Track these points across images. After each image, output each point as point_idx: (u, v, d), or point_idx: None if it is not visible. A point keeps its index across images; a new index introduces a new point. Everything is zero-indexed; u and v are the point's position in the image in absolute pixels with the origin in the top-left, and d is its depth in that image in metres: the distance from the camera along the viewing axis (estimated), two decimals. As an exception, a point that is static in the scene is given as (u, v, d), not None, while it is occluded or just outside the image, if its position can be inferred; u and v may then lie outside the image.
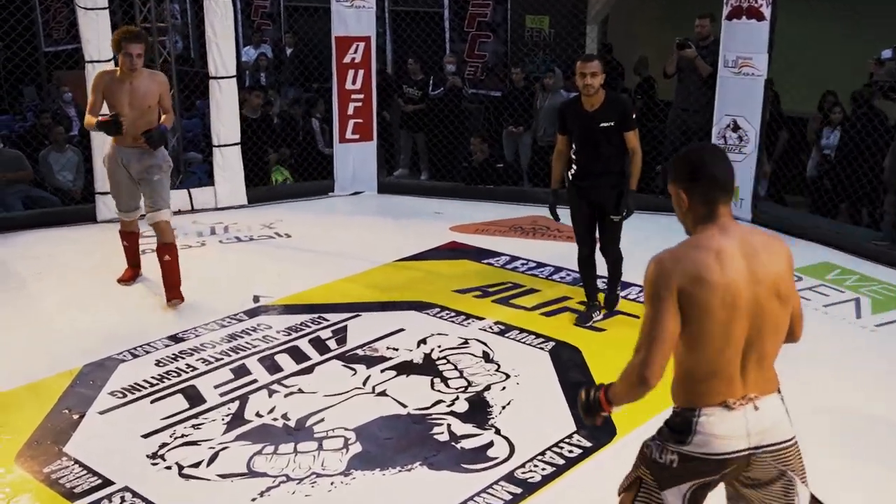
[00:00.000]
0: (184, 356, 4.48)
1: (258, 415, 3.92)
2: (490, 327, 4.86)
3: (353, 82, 7.69)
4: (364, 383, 4.19)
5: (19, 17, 7.55)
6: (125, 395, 4.09)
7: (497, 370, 4.35)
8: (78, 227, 6.81)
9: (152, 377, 4.26)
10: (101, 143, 6.71)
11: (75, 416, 3.89)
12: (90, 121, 4.94)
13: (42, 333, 4.82)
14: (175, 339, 4.67)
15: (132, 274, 5.57)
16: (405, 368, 4.38)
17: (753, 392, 2.14)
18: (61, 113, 8.58)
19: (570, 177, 4.72)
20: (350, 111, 7.71)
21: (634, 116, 4.59)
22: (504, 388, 4.16)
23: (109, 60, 6.61)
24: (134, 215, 5.35)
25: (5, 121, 8.79)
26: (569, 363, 4.41)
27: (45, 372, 4.30)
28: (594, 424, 2.24)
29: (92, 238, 6.57)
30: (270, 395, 4.10)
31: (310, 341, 4.66)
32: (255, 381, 4.25)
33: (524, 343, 4.67)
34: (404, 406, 3.99)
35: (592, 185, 4.65)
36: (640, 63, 8.78)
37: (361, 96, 7.76)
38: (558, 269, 5.75)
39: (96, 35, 6.51)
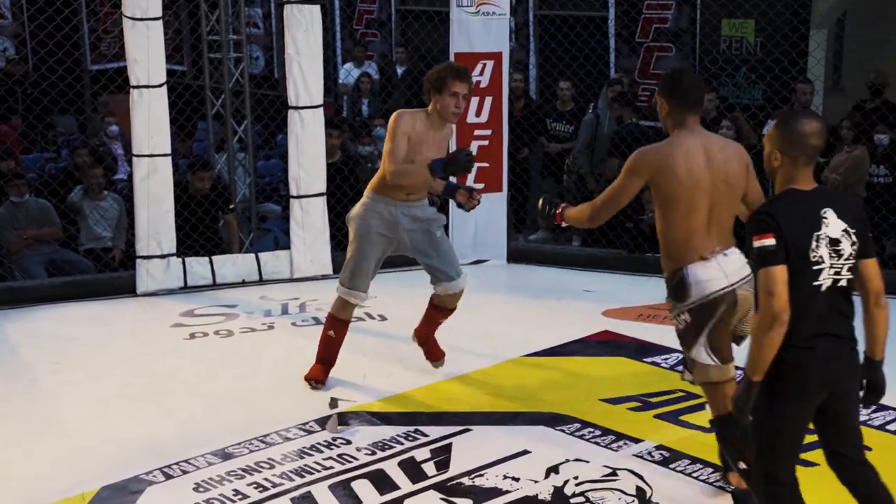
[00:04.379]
0: (232, 478, 4.60)
1: (322, 563, 3.97)
2: (650, 454, 4.78)
3: (478, 114, 7.88)
4: (468, 526, 4.18)
5: (59, 22, 8.14)
6: (151, 528, 4.24)
7: (656, 517, 4.25)
8: (112, 300, 7.23)
9: (188, 506, 4.38)
10: (147, 191, 7.13)
11: (84, 555, 4.06)
12: (407, 170, 5.25)
13: (52, 443, 5.07)
14: (224, 454, 4.82)
15: (325, 373, 5.64)
16: (527, 508, 4.34)
17: (719, 247, 3.99)
18: (104, 149, 9.17)
19: None
20: (473, 152, 7.85)
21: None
22: (665, 542, 4.06)
23: (161, 85, 7.06)
24: (366, 297, 5.56)
25: (33, 161, 9.47)
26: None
27: (51, 494, 4.49)
28: (547, 223, 4.11)
29: (129, 317, 6.95)
30: (341, 537, 4.16)
31: (400, 464, 4.70)
32: (322, 515, 4.32)
33: (697, 478, 4.56)
34: (521, 562, 3.95)
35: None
36: (877, 81, 8.57)
37: (488, 132, 7.93)
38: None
39: (145, 53, 6.98)
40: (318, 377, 5.60)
